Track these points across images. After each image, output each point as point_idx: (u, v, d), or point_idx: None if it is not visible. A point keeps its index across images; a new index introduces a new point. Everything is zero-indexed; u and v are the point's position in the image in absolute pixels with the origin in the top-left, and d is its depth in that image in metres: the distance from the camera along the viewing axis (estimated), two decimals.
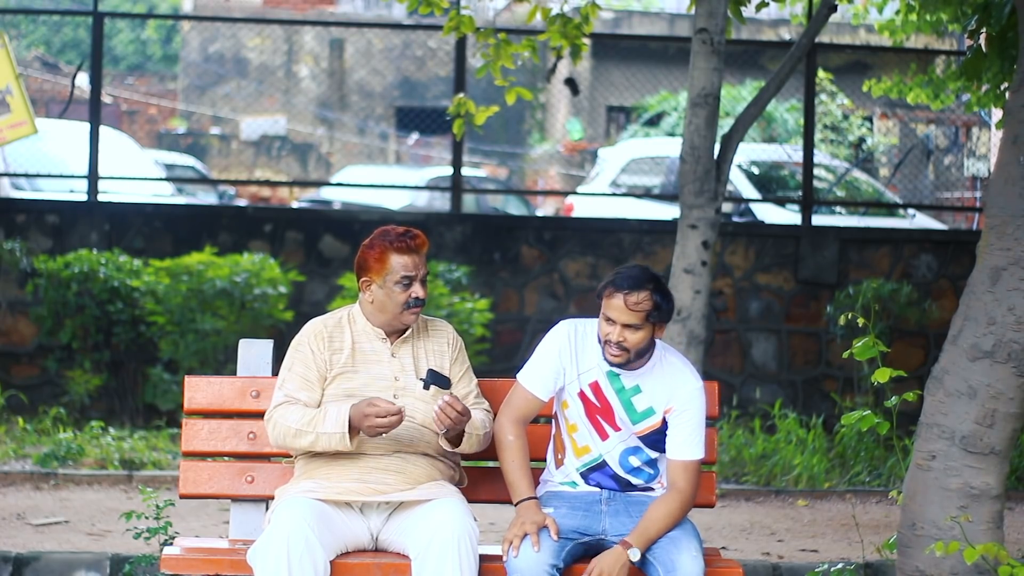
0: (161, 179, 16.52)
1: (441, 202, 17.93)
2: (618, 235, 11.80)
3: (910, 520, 5.57)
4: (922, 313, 11.35)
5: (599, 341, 4.94)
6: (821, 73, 15.83)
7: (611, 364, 4.92)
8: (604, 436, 4.97)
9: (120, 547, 7.08)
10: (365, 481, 4.87)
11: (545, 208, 22.20)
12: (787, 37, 23.51)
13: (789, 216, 13.88)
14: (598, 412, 4.97)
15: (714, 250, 8.44)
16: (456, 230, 11.76)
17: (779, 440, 9.98)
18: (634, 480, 4.99)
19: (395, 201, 17.77)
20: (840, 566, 6.24)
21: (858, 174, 16.16)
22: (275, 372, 5.09)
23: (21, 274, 11.05)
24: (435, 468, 4.96)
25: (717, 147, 8.30)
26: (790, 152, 15.59)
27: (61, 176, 13.32)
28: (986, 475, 5.50)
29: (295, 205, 18.70)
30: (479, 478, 5.12)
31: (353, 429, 4.78)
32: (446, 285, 10.95)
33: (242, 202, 21.07)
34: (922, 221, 14.85)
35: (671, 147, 16.23)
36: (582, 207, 15.76)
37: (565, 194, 17.86)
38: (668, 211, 13.47)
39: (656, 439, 4.97)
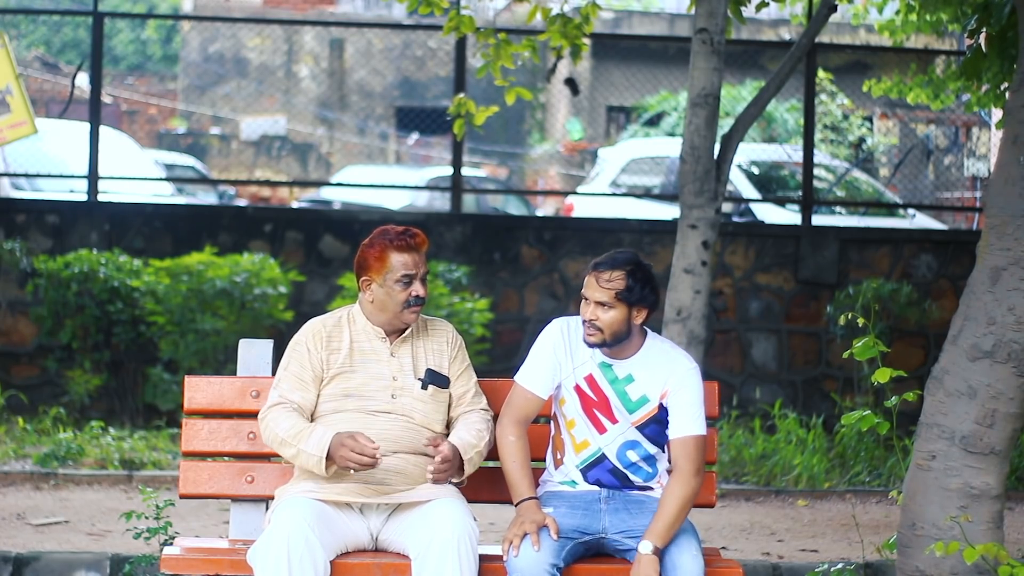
0: (161, 179, 16.52)
1: (441, 202, 17.93)
2: (618, 235, 11.79)
3: (910, 520, 5.57)
4: (922, 313, 11.35)
5: None
6: (821, 73, 15.83)
7: (588, 345, 4.94)
8: (602, 430, 4.97)
9: (120, 547, 7.08)
10: (365, 482, 4.87)
11: (545, 208, 22.20)
12: (787, 37, 23.51)
13: (789, 216, 13.88)
14: (595, 405, 4.98)
15: (714, 250, 8.44)
16: (456, 230, 11.76)
17: (779, 440, 9.98)
18: (633, 476, 4.99)
19: (395, 201, 17.77)
20: (840, 566, 6.24)
21: (858, 174, 16.16)
22: (275, 372, 5.10)
23: (21, 274, 11.05)
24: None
25: (717, 147, 8.31)
26: (790, 152, 15.59)
27: (61, 176, 13.32)
28: (986, 475, 5.50)
29: (295, 205, 18.70)
30: (479, 478, 5.12)
31: (331, 456, 4.79)
32: (446, 285, 10.95)
33: (242, 202, 21.07)
34: (922, 221, 14.85)
35: (671, 147, 16.23)
36: (582, 207, 15.76)
37: (565, 194, 17.86)
38: (668, 211, 13.47)
39: (655, 430, 4.97)
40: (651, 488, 5.01)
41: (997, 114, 12.35)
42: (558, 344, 5.01)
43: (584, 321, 4.93)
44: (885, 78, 11.72)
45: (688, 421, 4.93)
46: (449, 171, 13.41)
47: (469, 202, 18.18)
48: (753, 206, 14.51)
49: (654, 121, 22.58)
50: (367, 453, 4.71)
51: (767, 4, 8.71)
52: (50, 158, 13.76)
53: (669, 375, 4.95)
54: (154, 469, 9.33)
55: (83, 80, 17.53)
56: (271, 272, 10.87)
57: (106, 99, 22.98)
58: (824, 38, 18.64)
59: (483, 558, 4.82)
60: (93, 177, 11.54)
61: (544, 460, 5.15)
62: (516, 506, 4.90)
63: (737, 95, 20.14)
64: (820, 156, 16.31)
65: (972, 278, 5.66)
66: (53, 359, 10.97)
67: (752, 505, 9.13)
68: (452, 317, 10.44)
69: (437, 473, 4.78)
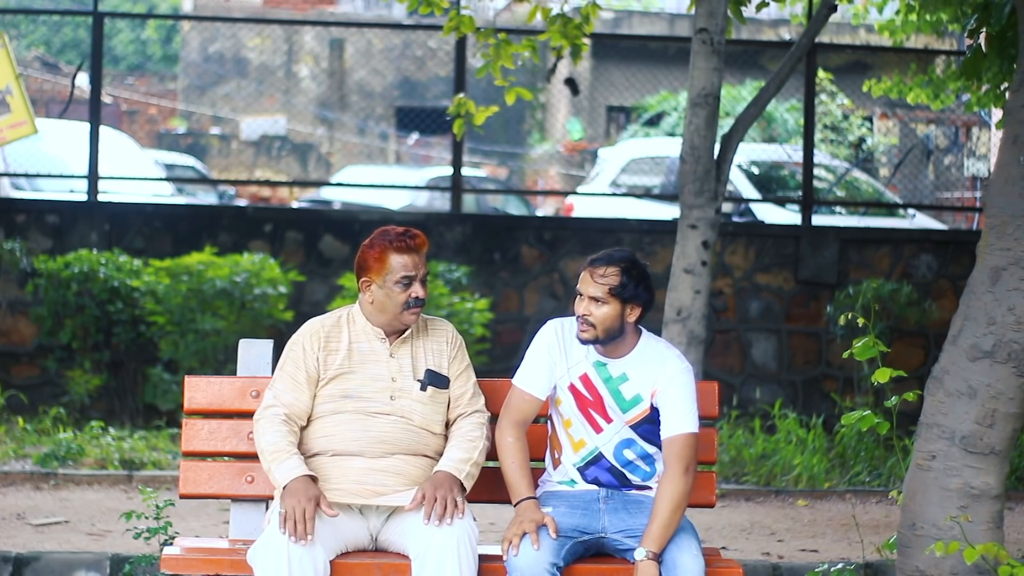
0: (161, 179, 16.52)
1: (441, 202, 17.93)
2: (618, 235, 11.79)
3: (910, 520, 5.57)
4: (922, 313, 11.35)
5: None
6: (821, 73, 15.83)
7: (581, 341, 4.94)
8: (598, 429, 4.98)
9: (120, 547, 7.07)
10: (364, 483, 4.87)
11: (545, 208, 22.20)
12: (787, 37, 23.51)
13: (789, 216, 13.88)
14: (590, 405, 4.98)
15: (714, 250, 8.44)
16: (456, 230, 11.76)
17: (779, 440, 9.98)
18: (631, 475, 5.00)
19: (395, 201, 17.77)
20: (840, 566, 6.24)
21: (858, 174, 16.16)
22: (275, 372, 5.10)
23: (21, 274, 11.05)
24: (433, 469, 4.95)
25: (717, 147, 8.31)
26: (790, 152, 15.59)
27: (61, 176, 13.32)
28: (986, 475, 5.50)
29: (295, 205, 18.70)
30: (479, 478, 5.12)
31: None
32: (446, 285, 10.95)
33: (242, 202, 21.07)
34: (922, 221, 14.85)
35: (671, 147, 16.23)
36: (582, 207, 15.76)
37: (565, 194, 17.86)
38: (668, 211, 13.47)
39: (648, 430, 4.97)
40: (649, 487, 5.02)
41: (997, 114, 12.35)
42: (553, 345, 5.01)
43: (577, 317, 4.93)
44: (885, 78, 11.72)
45: (676, 419, 4.92)
46: (449, 171, 13.41)
47: (469, 202, 18.18)
48: (753, 206, 14.51)
49: (654, 121, 22.58)
50: (305, 518, 4.67)
51: (767, 4, 8.71)
52: (50, 158, 13.76)
53: (659, 374, 4.95)
54: (154, 469, 9.33)
55: (83, 80, 17.53)
56: (271, 272, 10.87)
57: (106, 99, 22.98)
58: (824, 38, 18.64)
59: (483, 558, 4.82)
60: (93, 177, 11.54)
61: (543, 460, 5.16)
62: (515, 506, 4.90)
63: (737, 95, 20.14)
64: (820, 156, 16.31)
65: (972, 278, 5.66)
66: (53, 359, 10.97)
67: (752, 505, 9.13)
68: (452, 317, 10.44)
69: (430, 513, 4.76)
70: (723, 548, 7.50)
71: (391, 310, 4.97)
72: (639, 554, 4.79)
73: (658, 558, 4.80)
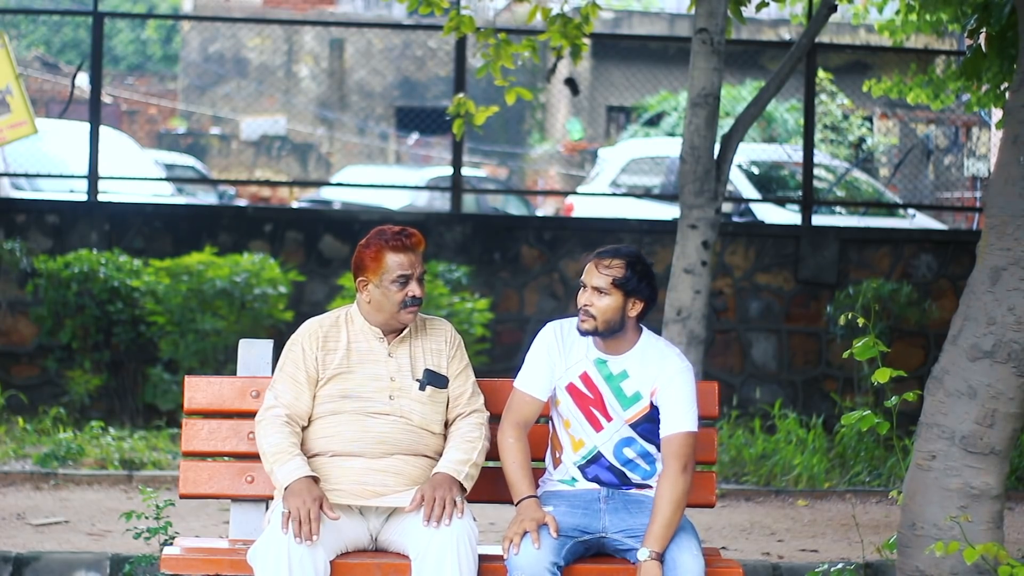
0: (161, 179, 16.52)
1: (441, 202, 17.93)
2: (618, 235, 11.79)
3: (910, 520, 5.57)
4: (922, 313, 11.35)
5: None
6: (821, 73, 15.83)
7: (580, 333, 4.96)
8: (598, 427, 4.98)
9: (120, 547, 7.07)
10: (364, 483, 4.87)
11: (545, 208, 22.20)
12: (787, 37, 23.50)
13: (789, 216, 13.88)
14: (590, 403, 4.99)
15: (714, 250, 8.44)
16: (456, 230, 11.76)
17: (779, 440, 9.98)
18: (631, 474, 5.00)
19: (395, 201, 17.77)
20: (840, 566, 6.24)
21: (858, 174, 16.16)
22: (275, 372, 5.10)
23: (21, 274, 11.05)
24: (433, 469, 4.95)
25: (717, 147, 8.31)
26: (790, 152, 15.59)
27: (61, 176, 13.32)
28: (986, 475, 5.50)
29: (295, 205, 18.70)
30: (479, 478, 5.12)
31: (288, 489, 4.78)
32: (446, 285, 10.95)
33: (242, 202, 21.07)
34: (922, 221, 14.85)
35: (671, 147, 16.23)
36: (582, 207, 15.76)
37: (565, 194, 17.86)
38: (668, 211, 13.47)
39: (648, 428, 4.97)
40: (650, 486, 5.02)
41: (997, 114, 12.35)
42: (552, 346, 5.03)
43: (579, 308, 4.94)
44: (885, 78, 11.72)
45: (675, 418, 4.92)
46: (449, 171, 13.41)
47: (469, 202, 18.18)
48: (753, 206, 14.51)
49: (654, 121, 22.58)
50: (311, 518, 4.67)
51: (767, 4, 8.72)
52: (50, 158, 13.75)
53: (659, 373, 4.96)
54: (154, 469, 9.33)
55: (83, 80, 17.53)
56: (271, 272, 10.87)
57: (106, 99, 22.98)
58: (824, 38, 18.64)
59: (483, 558, 4.82)
60: (93, 177, 11.54)
61: (544, 461, 5.16)
62: (516, 505, 4.90)
63: (737, 95, 20.14)
64: (820, 156, 16.31)
65: (972, 278, 5.66)
66: (53, 359, 10.97)
67: (752, 505, 9.13)
68: (452, 317, 10.44)
69: (429, 514, 4.76)
70: (723, 548, 7.50)
71: (388, 309, 4.97)
72: (642, 554, 4.80)
73: (660, 558, 4.80)
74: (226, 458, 5.23)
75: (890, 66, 15.08)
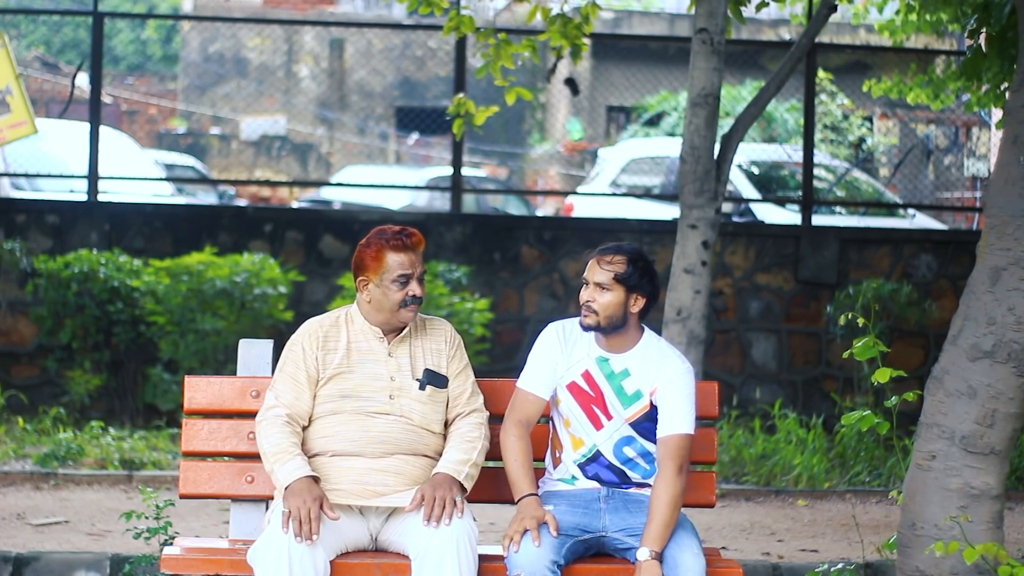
0: (161, 179, 16.52)
1: (441, 202, 17.93)
2: (618, 235, 11.79)
3: (910, 520, 5.57)
4: (922, 313, 11.35)
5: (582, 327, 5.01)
6: (821, 73, 15.83)
7: (583, 328, 4.97)
8: (598, 426, 4.99)
9: (120, 547, 7.07)
10: (364, 483, 4.87)
11: (545, 208, 22.20)
12: (787, 37, 23.51)
13: (789, 216, 13.88)
14: (592, 401, 4.99)
15: (714, 250, 8.44)
16: (456, 230, 11.76)
17: (779, 440, 9.98)
18: (631, 472, 5.01)
19: (395, 201, 17.77)
20: (840, 566, 6.24)
21: (858, 174, 16.16)
22: (275, 372, 5.10)
23: (21, 274, 11.05)
24: (433, 469, 4.95)
25: (717, 147, 8.30)
26: (790, 152, 15.59)
27: (61, 176, 13.32)
28: (986, 475, 5.50)
29: (295, 205, 18.70)
30: (479, 478, 5.12)
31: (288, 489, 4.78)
32: (446, 285, 10.95)
33: (242, 202, 21.07)
34: (922, 221, 14.85)
35: (671, 147, 16.23)
36: (582, 207, 15.77)
37: (565, 194, 17.86)
38: (668, 211, 13.47)
39: (648, 427, 4.98)
40: (650, 485, 5.02)
41: (997, 114, 12.35)
42: (554, 345, 5.04)
43: (581, 304, 4.96)
44: (885, 78, 11.72)
45: (673, 420, 4.94)
46: (449, 171, 13.41)
47: (469, 202, 18.18)
48: (753, 206, 14.51)
49: (654, 121, 22.58)
50: (311, 518, 4.68)
51: (767, 4, 8.72)
52: (50, 158, 13.75)
53: (659, 373, 4.97)
54: (154, 469, 9.33)
55: (83, 80, 17.53)
56: (271, 272, 10.87)
57: (106, 99, 22.98)
58: (824, 38, 18.64)
59: (483, 558, 4.82)
60: (93, 177, 11.54)
61: (544, 461, 5.16)
62: (517, 503, 4.91)
63: (737, 95, 20.14)
64: (820, 156, 16.31)
65: (972, 278, 5.66)
66: (53, 359, 10.97)
67: (752, 505, 9.13)
68: (452, 317, 10.44)
69: (429, 514, 4.76)
70: (723, 548, 7.50)
71: (389, 308, 4.97)
72: (642, 554, 4.80)
73: (660, 557, 4.80)
74: (226, 458, 5.23)
75: (890, 66, 15.08)
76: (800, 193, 12.98)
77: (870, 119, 20.25)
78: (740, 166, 15.14)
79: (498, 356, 11.48)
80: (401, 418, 4.94)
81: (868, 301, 10.78)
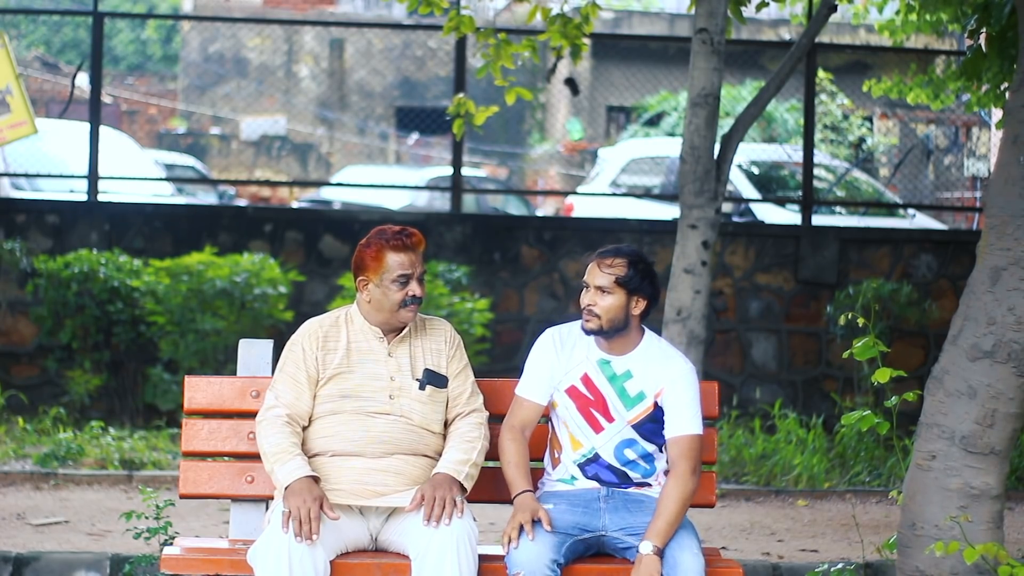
0: (161, 179, 16.52)
1: (441, 202, 17.93)
2: (618, 235, 11.79)
3: (910, 520, 5.57)
4: (922, 313, 11.35)
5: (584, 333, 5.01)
6: (821, 73, 15.83)
7: (585, 332, 4.98)
8: (598, 429, 4.99)
9: (120, 547, 7.08)
10: (364, 483, 4.87)
11: (545, 208, 22.20)
12: (787, 37, 23.50)
13: (789, 216, 13.88)
14: (591, 405, 4.99)
15: (714, 250, 8.44)
16: (456, 230, 11.76)
17: (779, 440, 9.98)
18: (631, 473, 5.01)
19: (395, 201, 17.77)
20: (840, 566, 6.24)
21: (858, 174, 16.16)
22: (275, 372, 5.10)
23: (21, 274, 11.05)
24: (433, 469, 4.95)
25: (717, 147, 8.30)
26: (790, 152, 15.59)
27: (61, 176, 13.32)
28: (986, 475, 5.50)
29: (295, 205, 18.69)
30: (479, 478, 5.12)
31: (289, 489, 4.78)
32: (446, 285, 10.95)
33: (242, 202, 21.07)
34: (922, 221, 14.85)
35: (671, 147, 16.23)
36: (582, 207, 15.76)
37: (565, 194, 17.86)
38: (668, 211, 13.47)
39: (650, 429, 4.98)
40: (649, 485, 5.02)
41: (997, 114, 12.36)
42: (550, 351, 5.05)
43: (583, 309, 4.95)
44: (885, 78, 11.72)
45: (684, 420, 4.95)
46: (449, 171, 13.41)
47: (469, 202, 18.18)
48: (753, 206, 14.51)
49: (654, 121, 22.58)
50: (311, 518, 4.68)
51: (767, 4, 8.72)
52: (50, 158, 13.75)
53: (664, 374, 4.97)
54: (154, 469, 9.33)
55: (83, 80, 17.53)
56: (271, 272, 10.87)
57: (106, 99, 22.98)
58: (824, 38, 18.64)
59: (483, 558, 4.82)
60: (93, 177, 11.54)
61: (543, 461, 5.16)
62: (512, 500, 4.91)
63: (737, 95, 20.14)
64: (820, 156, 16.31)
65: (972, 278, 5.66)
66: (53, 359, 10.97)
67: (752, 505, 9.13)
68: (452, 317, 10.44)
69: (429, 514, 4.76)
70: (723, 548, 7.51)
71: (388, 308, 4.97)
72: (645, 547, 4.79)
73: (661, 553, 4.80)
74: (226, 458, 5.23)
75: (890, 66, 15.09)
76: (800, 193, 12.98)
77: (870, 119, 20.25)
78: (740, 166, 15.14)
79: (498, 356, 11.48)
80: (401, 418, 4.94)
81: (868, 301, 10.78)
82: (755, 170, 15.74)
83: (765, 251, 11.91)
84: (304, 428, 4.96)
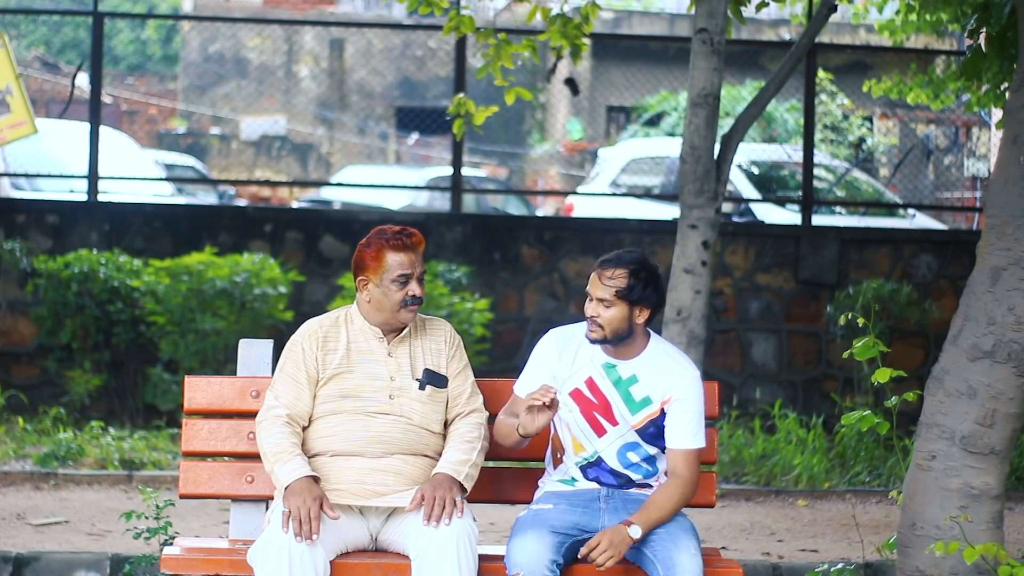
0: (161, 179, 16.52)
1: (441, 202, 17.93)
2: (618, 235, 11.80)
3: (910, 520, 5.57)
4: (922, 313, 11.35)
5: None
6: (821, 73, 15.82)
7: (590, 341, 4.96)
8: (601, 432, 4.98)
9: (120, 547, 7.08)
10: (364, 483, 4.87)
11: (545, 208, 22.20)
12: (787, 37, 23.51)
13: (789, 216, 13.88)
14: (595, 408, 4.98)
15: (714, 250, 8.44)
16: (456, 230, 11.76)
17: (779, 440, 9.98)
18: (633, 475, 5.00)
19: (395, 201, 17.77)
20: (840, 566, 6.24)
21: (858, 174, 16.16)
22: (275, 372, 5.10)
23: (21, 274, 11.05)
24: (433, 469, 4.95)
25: (717, 147, 8.30)
26: (790, 152, 15.59)
27: (61, 176, 13.32)
28: (986, 475, 5.50)
29: (295, 205, 18.69)
30: (479, 478, 5.11)
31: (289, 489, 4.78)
32: (446, 285, 10.95)
33: (242, 202, 21.07)
34: (922, 221, 14.85)
35: (671, 147, 16.23)
36: (582, 207, 15.76)
37: (565, 194, 17.86)
38: (668, 211, 13.47)
39: (653, 433, 4.98)
40: (650, 486, 5.02)
41: (997, 114, 12.35)
42: (552, 353, 5.04)
43: (587, 319, 4.94)
44: (885, 78, 11.72)
45: (690, 434, 4.95)
46: (449, 171, 13.40)
47: (469, 202, 18.18)
48: (753, 206, 14.51)
49: (654, 121, 22.58)
50: (311, 517, 4.68)
51: (767, 4, 8.71)
52: (50, 158, 13.75)
53: (674, 382, 4.96)
54: (154, 469, 9.33)
55: (83, 80, 17.53)
56: (271, 272, 10.87)
57: (106, 99, 22.98)
58: (824, 38, 18.63)
59: (483, 558, 4.82)
60: (93, 177, 11.54)
61: (543, 461, 5.16)
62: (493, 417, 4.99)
63: (737, 95, 20.14)
64: (820, 156, 16.31)
65: (972, 278, 5.66)
66: (53, 359, 10.97)
67: (752, 505, 9.13)
68: (452, 317, 10.44)
69: (429, 514, 4.76)
70: (723, 548, 7.51)
71: (388, 308, 4.97)
72: (624, 524, 4.77)
73: (637, 538, 4.77)
74: (226, 458, 5.23)
75: (890, 66, 15.08)
76: (800, 193, 12.98)
77: (870, 119, 20.25)
78: (740, 166, 15.15)
79: (498, 356, 11.48)
80: (401, 418, 4.94)
81: (868, 301, 10.78)
82: (755, 170, 15.74)
83: (765, 251, 11.91)
84: (304, 428, 4.96)
